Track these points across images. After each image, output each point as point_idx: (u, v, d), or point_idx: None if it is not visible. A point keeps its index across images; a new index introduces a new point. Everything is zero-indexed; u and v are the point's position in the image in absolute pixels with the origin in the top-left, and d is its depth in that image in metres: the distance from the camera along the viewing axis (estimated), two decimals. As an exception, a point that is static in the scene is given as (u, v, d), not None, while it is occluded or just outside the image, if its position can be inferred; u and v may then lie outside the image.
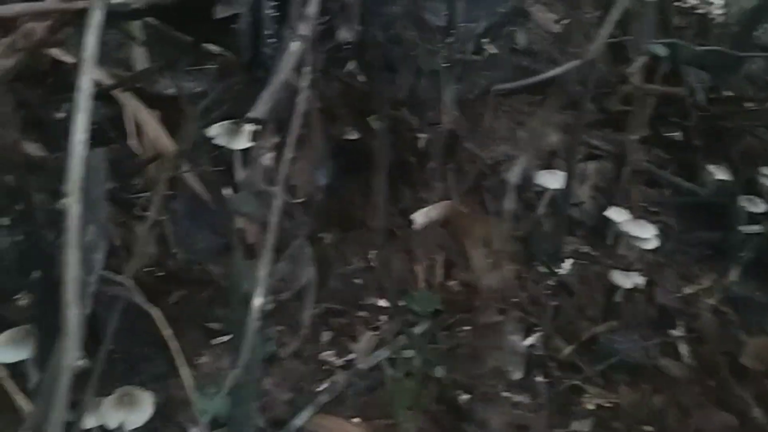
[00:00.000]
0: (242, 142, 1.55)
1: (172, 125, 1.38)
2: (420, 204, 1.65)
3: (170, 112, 1.37)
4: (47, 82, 1.22)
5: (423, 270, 1.65)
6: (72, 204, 0.71)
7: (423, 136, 1.40)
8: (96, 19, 0.83)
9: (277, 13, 0.91)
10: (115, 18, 0.86)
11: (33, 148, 1.67)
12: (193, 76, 1.30)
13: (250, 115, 0.80)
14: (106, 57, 1.40)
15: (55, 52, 1.21)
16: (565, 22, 2.14)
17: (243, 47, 0.91)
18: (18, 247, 1.29)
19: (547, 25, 2.16)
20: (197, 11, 0.96)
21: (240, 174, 0.99)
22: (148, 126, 1.29)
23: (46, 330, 1.31)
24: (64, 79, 1.21)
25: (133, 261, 1.42)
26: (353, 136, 1.60)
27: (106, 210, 0.97)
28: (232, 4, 0.92)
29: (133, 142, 1.47)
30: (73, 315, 0.68)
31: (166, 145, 1.30)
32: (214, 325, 1.50)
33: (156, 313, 0.96)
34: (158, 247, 1.56)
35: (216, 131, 1.52)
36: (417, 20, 1.33)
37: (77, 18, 0.86)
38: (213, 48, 1.20)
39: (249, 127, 1.53)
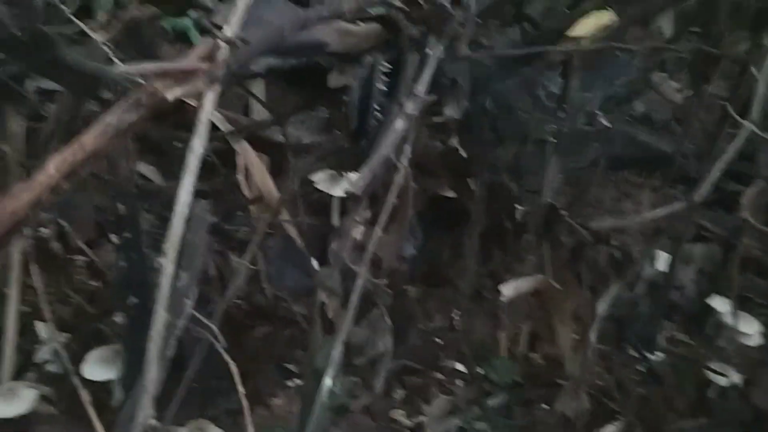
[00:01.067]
0: (341, 190, 1.58)
1: (277, 170, 1.42)
2: (511, 269, 1.62)
3: (277, 157, 1.41)
4: (170, 119, 1.28)
5: (507, 338, 1.61)
6: (168, 264, 0.74)
7: (521, 207, 1.37)
8: (215, 83, 0.86)
9: (387, 88, 0.92)
10: (235, 80, 0.89)
11: (149, 171, 1.76)
12: (302, 125, 1.34)
13: (347, 189, 0.81)
14: (225, 99, 1.46)
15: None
16: (688, 93, 2.05)
17: (350, 118, 0.92)
18: (121, 270, 1.35)
19: (669, 94, 2.08)
20: (312, 77, 0.98)
21: (332, 240, 1.01)
22: (255, 169, 1.33)
23: (134, 354, 1.37)
24: (185, 118, 1.27)
25: (225, 294, 1.48)
26: (450, 194, 1.59)
27: (202, 259, 1.00)
28: (345, 75, 0.94)
29: (240, 177, 1.52)
30: (153, 373, 0.70)
31: (269, 189, 1.34)
32: (292, 366, 1.53)
33: (233, 368, 0.98)
34: (249, 282, 1.61)
35: (319, 177, 1.56)
36: (529, 90, 1.31)
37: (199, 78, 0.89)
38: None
39: (348, 183, 1.56)
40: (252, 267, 1.59)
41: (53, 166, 0.79)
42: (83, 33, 1.43)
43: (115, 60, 1.39)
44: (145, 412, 0.68)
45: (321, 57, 0.97)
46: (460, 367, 1.57)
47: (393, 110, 0.90)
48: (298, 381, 1.51)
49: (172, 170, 1.81)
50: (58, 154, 0.81)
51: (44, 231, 1.70)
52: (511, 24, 1.16)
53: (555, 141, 1.38)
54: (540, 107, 1.39)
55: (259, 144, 1.35)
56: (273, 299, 1.62)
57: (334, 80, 0.95)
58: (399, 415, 1.47)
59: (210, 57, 0.89)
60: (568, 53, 1.14)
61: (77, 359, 1.41)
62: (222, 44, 0.90)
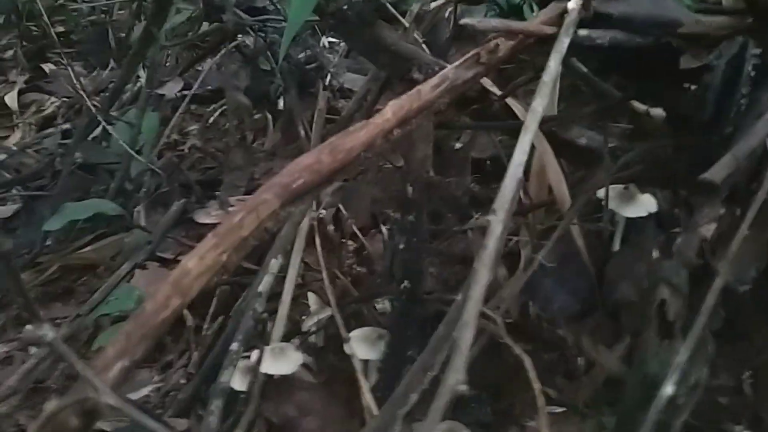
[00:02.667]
0: (634, 210, 1.44)
1: (572, 176, 1.33)
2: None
3: (576, 162, 1.32)
4: (471, 109, 1.26)
5: (811, 415, 1.34)
6: (496, 223, 0.68)
7: None
8: (562, 46, 0.80)
9: (756, 73, 0.79)
10: (575, 49, 0.82)
11: (427, 169, 1.76)
12: (606, 131, 1.23)
13: (704, 176, 0.69)
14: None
15: (486, 83, 1.24)
16: None
17: (708, 103, 0.81)
18: (397, 252, 1.35)
19: None
20: (657, 59, 0.88)
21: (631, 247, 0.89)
22: (551, 170, 1.25)
23: (398, 339, 1.36)
24: (486, 110, 1.24)
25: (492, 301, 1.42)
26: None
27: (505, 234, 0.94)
28: (702, 57, 0.83)
29: (530, 183, 1.46)
30: (467, 336, 0.63)
31: (562, 194, 1.25)
32: (551, 391, 1.41)
33: (528, 361, 0.90)
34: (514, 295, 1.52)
35: (611, 193, 1.44)
36: None
37: (541, 44, 0.84)
38: (639, 107, 1.12)
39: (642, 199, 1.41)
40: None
41: (391, 111, 0.78)
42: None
43: (424, 47, 1.41)
44: (457, 376, 0.62)
45: (672, 38, 0.86)
46: (748, 435, 1.33)
47: (764, 99, 0.77)
48: (555, 409, 1.39)
49: (448, 170, 1.81)
50: (396, 100, 0.79)
51: (324, 213, 1.78)
52: None
53: None
54: None
55: (555, 143, 1.27)
56: (536, 318, 1.51)
57: (686, 62, 0.84)
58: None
59: (556, 22, 0.83)
60: None
61: (338, 336, 1.43)
62: (570, 9, 0.83)
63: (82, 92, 1.92)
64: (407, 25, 1.40)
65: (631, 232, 1.54)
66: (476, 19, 0.80)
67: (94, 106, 1.90)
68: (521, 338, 1.52)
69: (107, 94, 2.07)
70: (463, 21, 0.79)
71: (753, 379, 1.40)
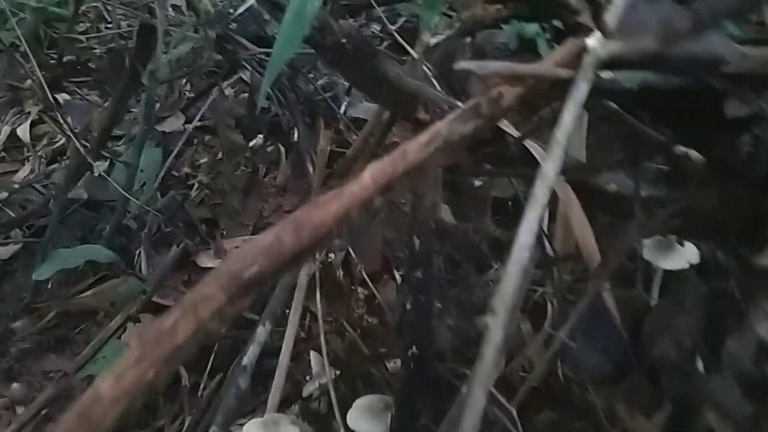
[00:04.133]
0: (673, 262, 1.28)
1: (603, 227, 1.17)
2: None
3: (605, 210, 1.17)
4: (483, 151, 1.12)
5: None
6: (496, 327, 0.53)
7: None
8: (580, 94, 0.65)
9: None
10: (599, 95, 0.68)
11: (443, 211, 1.62)
12: (639, 175, 1.08)
13: (765, 263, 0.53)
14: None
15: (502, 122, 1.10)
16: None
17: (761, 160, 0.66)
18: (404, 311, 1.21)
19: None
20: (697, 105, 0.73)
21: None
22: (576, 222, 1.10)
23: (406, 408, 1.21)
24: (501, 152, 1.09)
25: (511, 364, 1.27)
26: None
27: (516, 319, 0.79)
28: (751, 102, 0.68)
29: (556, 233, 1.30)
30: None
31: (590, 248, 1.10)
32: (581, 468, 1.25)
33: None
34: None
35: (647, 243, 1.28)
36: None
37: (554, 89, 0.69)
38: (682, 150, 0.96)
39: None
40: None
41: (370, 176, 0.64)
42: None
43: (434, 80, 1.27)
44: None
45: (714, 78, 0.71)
46: None
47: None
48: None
49: (466, 211, 1.66)
50: (377, 163, 0.65)
51: (332, 257, 1.64)
52: None
53: None
54: None
55: (582, 190, 1.12)
56: (565, 380, 1.35)
57: (734, 109, 0.69)
58: None
59: (573, 63, 0.69)
60: None
61: (343, 401, 1.30)
62: (590, 48, 0.68)
63: (70, 134, 1.83)
64: (415, 56, 1.27)
65: (670, 283, 1.38)
66: (474, 62, 0.66)
67: (84, 146, 1.80)
68: (549, 403, 1.37)
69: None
70: (459, 65, 0.65)
71: None
